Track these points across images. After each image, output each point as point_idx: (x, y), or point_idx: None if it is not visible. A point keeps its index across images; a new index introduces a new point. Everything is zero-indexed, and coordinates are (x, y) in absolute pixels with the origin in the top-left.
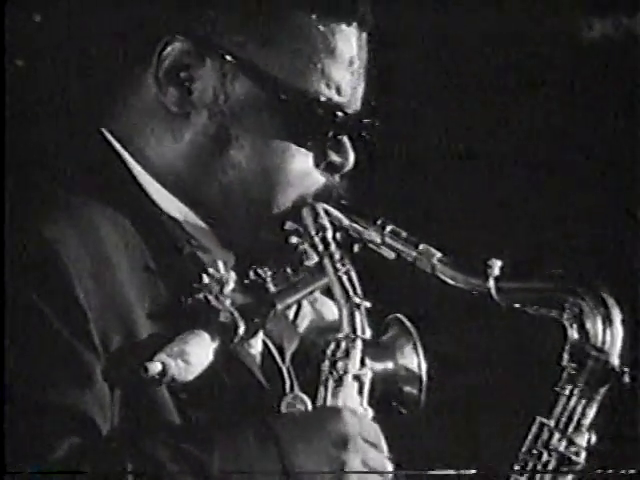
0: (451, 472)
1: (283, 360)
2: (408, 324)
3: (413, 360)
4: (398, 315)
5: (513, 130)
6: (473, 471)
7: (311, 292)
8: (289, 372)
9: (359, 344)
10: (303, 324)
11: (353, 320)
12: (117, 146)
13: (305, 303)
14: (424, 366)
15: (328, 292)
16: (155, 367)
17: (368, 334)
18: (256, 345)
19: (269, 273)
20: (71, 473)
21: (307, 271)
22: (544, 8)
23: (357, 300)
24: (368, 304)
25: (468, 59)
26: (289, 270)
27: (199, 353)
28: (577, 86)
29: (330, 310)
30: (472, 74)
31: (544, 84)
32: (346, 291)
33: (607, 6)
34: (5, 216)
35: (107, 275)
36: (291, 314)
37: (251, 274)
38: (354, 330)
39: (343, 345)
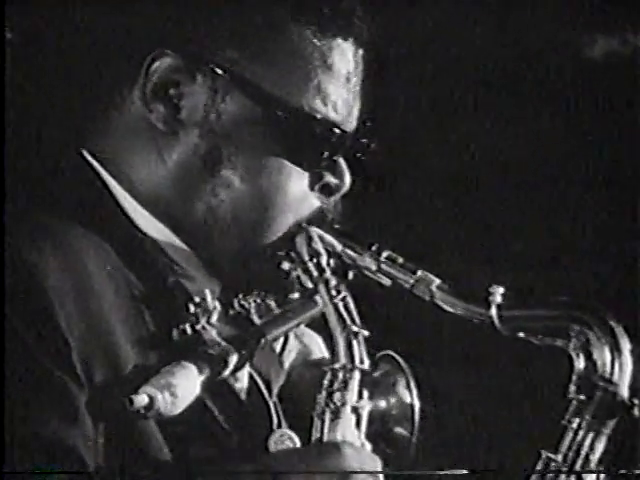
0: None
1: (270, 395)
2: (400, 361)
3: (406, 399)
4: (389, 352)
5: (515, 152)
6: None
7: (300, 322)
8: (276, 408)
9: (357, 375)
10: (289, 358)
11: (351, 350)
12: (99, 168)
13: (291, 336)
14: (417, 406)
15: (312, 324)
16: (141, 400)
17: (367, 364)
18: (242, 379)
19: (253, 304)
20: (71, 473)
21: (294, 301)
22: (547, 25)
23: (355, 329)
24: (366, 333)
25: (468, 77)
26: (273, 301)
27: (186, 386)
28: (582, 107)
29: (317, 344)
30: (472, 93)
31: (547, 103)
32: (343, 319)
33: (612, 22)
34: None
35: (90, 303)
36: (277, 347)
37: (236, 304)
38: (352, 360)
39: (340, 376)
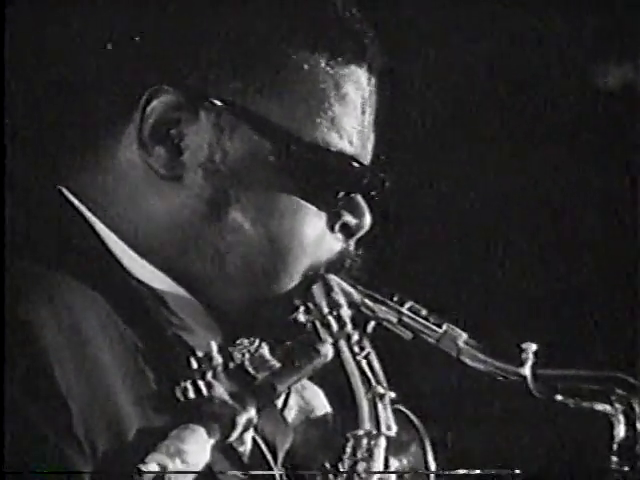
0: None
1: (275, 462)
2: (413, 418)
3: (420, 460)
4: (400, 408)
5: (543, 189)
6: None
7: (306, 374)
8: (282, 478)
9: (383, 442)
10: (290, 416)
11: (376, 413)
12: (91, 217)
13: (292, 390)
14: (433, 467)
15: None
16: (151, 469)
17: (394, 430)
18: (246, 441)
19: (247, 355)
20: (71, 473)
21: (293, 350)
22: (557, 55)
23: (381, 390)
24: (393, 395)
25: (488, 105)
26: (267, 351)
27: (197, 452)
28: (595, 144)
29: (320, 400)
30: (494, 122)
31: (572, 145)
32: (367, 379)
33: (624, 51)
34: None
35: (88, 362)
36: (279, 404)
37: (236, 355)
38: (378, 426)
39: (364, 443)
